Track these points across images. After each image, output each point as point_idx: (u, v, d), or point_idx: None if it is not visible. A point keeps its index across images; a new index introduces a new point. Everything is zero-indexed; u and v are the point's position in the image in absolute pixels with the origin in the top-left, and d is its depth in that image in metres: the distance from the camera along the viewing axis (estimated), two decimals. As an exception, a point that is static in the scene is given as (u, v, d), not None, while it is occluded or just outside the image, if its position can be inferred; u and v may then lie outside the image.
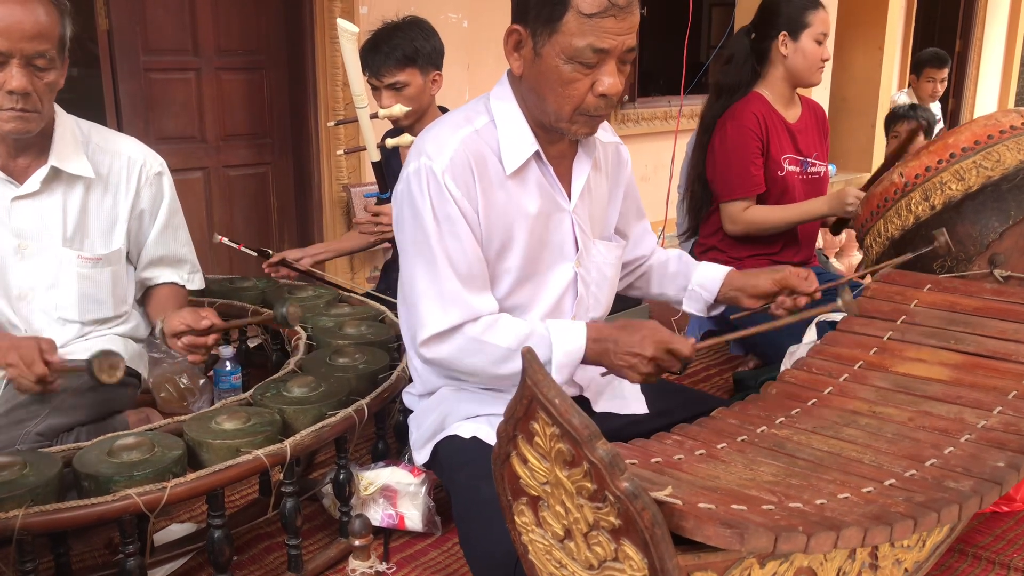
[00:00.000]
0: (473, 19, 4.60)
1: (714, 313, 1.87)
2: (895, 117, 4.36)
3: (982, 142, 2.02)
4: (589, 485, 0.88)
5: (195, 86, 4.30)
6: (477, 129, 1.53)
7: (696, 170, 2.80)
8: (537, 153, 1.55)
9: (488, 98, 1.59)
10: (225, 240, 2.76)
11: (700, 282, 1.84)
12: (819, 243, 4.03)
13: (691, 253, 3.02)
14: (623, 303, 2.70)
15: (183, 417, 1.63)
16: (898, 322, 1.77)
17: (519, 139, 1.54)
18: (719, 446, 1.35)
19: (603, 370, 1.54)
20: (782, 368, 1.89)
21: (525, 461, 0.95)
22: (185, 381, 2.32)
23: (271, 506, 1.63)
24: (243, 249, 2.72)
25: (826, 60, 2.63)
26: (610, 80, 1.44)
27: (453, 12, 4.55)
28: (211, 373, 2.31)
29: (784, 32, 2.58)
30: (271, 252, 2.71)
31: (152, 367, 2.24)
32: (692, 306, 1.87)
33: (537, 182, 1.57)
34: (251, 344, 2.59)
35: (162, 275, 2.09)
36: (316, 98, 4.31)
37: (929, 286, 1.86)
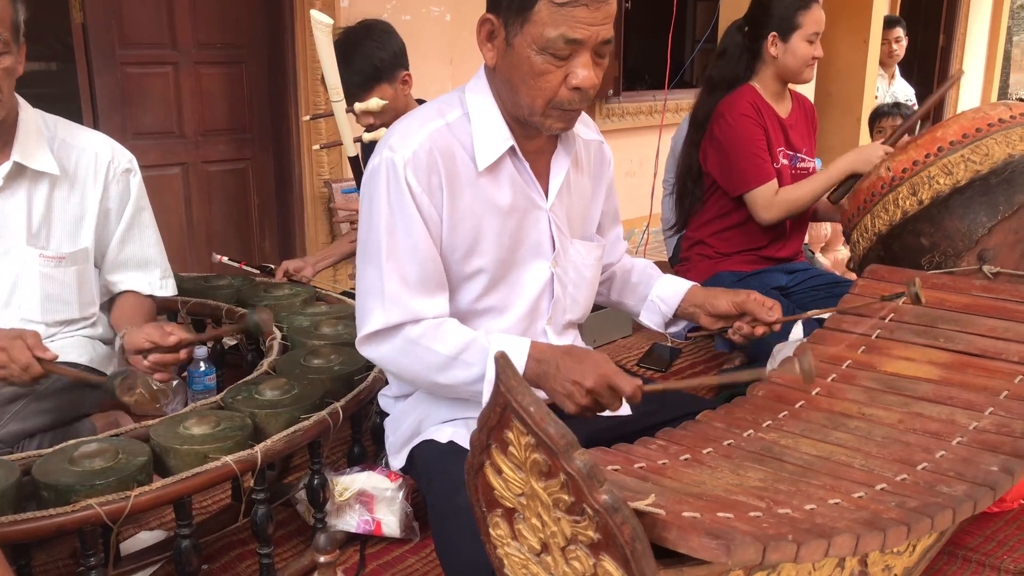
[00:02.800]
0: (456, 13, 4.54)
1: (672, 329, 1.79)
2: (879, 114, 4.36)
3: (970, 135, 1.98)
4: (566, 497, 0.83)
5: (173, 80, 4.23)
6: (449, 123, 1.48)
7: (686, 165, 2.75)
8: (512, 148, 1.50)
9: (463, 91, 1.53)
10: (225, 259, 2.69)
11: (660, 294, 1.76)
12: (806, 238, 4.01)
13: (677, 247, 2.98)
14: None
15: (150, 422, 1.57)
16: (886, 319, 1.73)
17: (493, 134, 1.48)
18: (705, 450, 1.31)
19: None
20: (768, 368, 1.85)
21: (499, 472, 0.90)
22: (158, 383, 2.26)
23: (242, 513, 1.57)
24: (245, 268, 2.65)
25: (817, 58, 2.59)
26: (584, 73, 1.39)
27: (436, 6, 4.50)
28: (184, 374, 2.25)
29: (774, 33, 2.54)
30: (273, 267, 2.65)
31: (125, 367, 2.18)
32: (650, 319, 1.79)
33: (511, 179, 1.51)
34: (226, 344, 2.53)
35: (127, 280, 2.00)
36: (297, 92, 4.24)
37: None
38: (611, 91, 5.78)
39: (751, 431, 1.39)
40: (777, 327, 1.64)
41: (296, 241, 4.43)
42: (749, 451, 1.32)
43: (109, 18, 3.96)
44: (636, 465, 1.18)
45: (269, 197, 4.51)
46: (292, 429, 1.56)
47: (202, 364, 2.24)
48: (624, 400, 1.34)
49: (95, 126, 4.03)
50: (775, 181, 2.55)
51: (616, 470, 1.13)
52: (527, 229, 1.55)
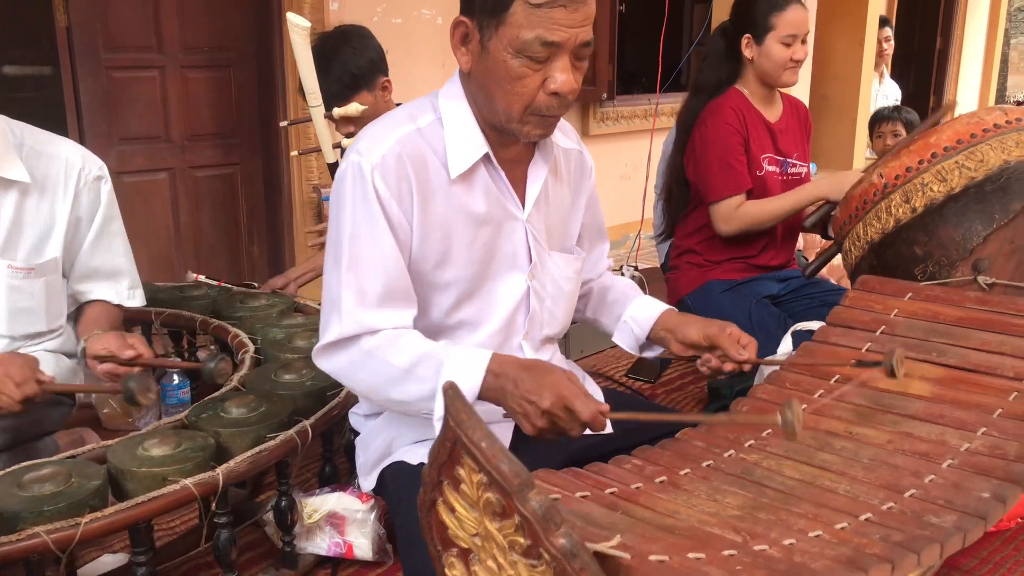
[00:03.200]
0: (447, 15, 4.47)
1: (647, 353, 1.72)
2: (879, 118, 4.30)
3: (965, 141, 1.91)
4: (522, 540, 0.77)
5: (159, 84, 4.17)
6: (420, 127, 1.42)
7: (674, 170, 2.69)
8: (487, 156, 1.44)
9: (437, 95, 1.47)
10: (202, 277, 2.62)
11: (634, 316, 1.69)
12: (800, 243, 3.94)
13: (667, 255, 2.92)
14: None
15: (109, 442, 1.51)
16: (877, 333, 1.67)
17: (467, 140, 1.42)
18: (682, 472, 1.24)
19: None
20: (755, 381, 1.79)
21: (453, 510, 0.83)
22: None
23: (204, 537, 1.51)
24: (224, 286, 2.58)
25: (798, 61, 2.52)
26: (563, 77, 1.33)
27: (427, 8, 4.44)
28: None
29: (747, 35, 2.48)
30: (256, 285, 2.58)
31: (95, 382, 2.12)
32: (623, 340, 1.71)
33: (485, 188, 1.45)
34: (201, 356, 2.46)
35: (95, 289, 1.95)
36: (285, 97, 4.18)
37: (910, 294, 1.76)
38: (605, 95, 5.72)
39: (732, 451, 1.33)
40: (747, 368, 1.57)
41: (285, 247, 4.37)
42: (729, 473, 1.25)
43: (94, 21, 3.90)
44: (608, 490, 1.11)
45: (258, 202, 4.45)
46: (257, 449, 1.49)
47: (176, 377, 2.19)
48: (585, 426, 1.26)
49: (80, 131, 3.98)
50: (742, 196, 2.49)
51: (585, 497, 1.07)
52: (502, 240, 1.49)
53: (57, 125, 4.01)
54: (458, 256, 1.44)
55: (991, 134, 1.90)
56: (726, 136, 2.46)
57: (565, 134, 1.60)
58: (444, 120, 1.43)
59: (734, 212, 2.48)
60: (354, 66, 2.29)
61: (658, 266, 3.19)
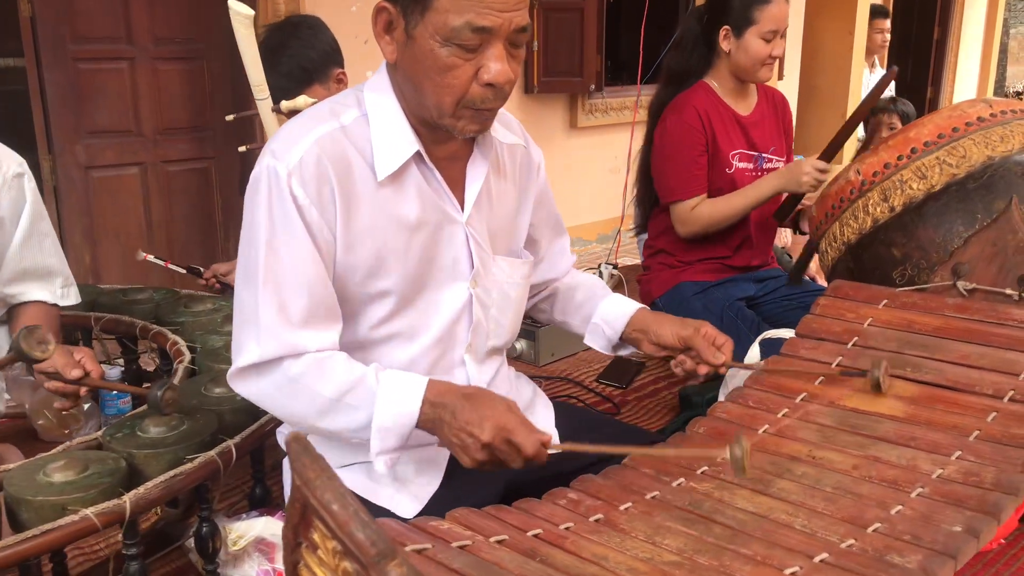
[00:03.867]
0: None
1: (621, 352, 1.63)
2: (873, 109, 4.18)
3: (946, 136, 1.79)
4: (389, 614, 0.65)
5: (129, 77, 4.06)
6: (344, 125, 1.29)
7: (644, 165, 2.57)
8: (419, 155, 1.31)
9: (362, 89, 1.35)
10: (150, 257, 2.51)
11: (605, 316, 1.59)
12: (787, 240, 3.81)
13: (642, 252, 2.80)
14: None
15: (9, 466, 1.39)
16: (849, 345, 1.55)
17: (396, 138, 1.29)
18: (623, 507, 1.13)
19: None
20: (719, 396, 1.67)
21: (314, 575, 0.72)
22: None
23: (110, 571, 1.39)
24: (170, 267, 2.47)
25: (775, 58, 2.39)
26: (497, 66, 1.20)
27: None
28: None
29: (727, 27, 2.35)
30: (201, 269, 2.46)
31: (31, 391, 2.00)
32: (594, 341, 1.62)
33: (419, 189, 1.32)
34: (143, 365, 2.34)
35: (29, 291, 1.85)
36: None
37: (885, 301, 1.64)
38: (593, 86, 5.60)
39: (682, 480, 1.21)
40: (723, 371, 1.49)
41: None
42: (675, 506, 1.13)
43: (59, 11, 3.78)
44: (531, 532, 1.00)
45: (234, 197, 4.32)
46: (171, 473, 1.37)
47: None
48: (528, 459, 1.16)
49: (46, 124, 3.86)
50: (699, 198, 2.38)
51: (501, 542, 0.95)
52: (441, 246, 1.36)
53: (24, 117, 3.91)
54: (392, 265, 1.32)
55: (974, 128, 1.78)
56: (684, 136, 2.35)
57: (508, 128, 1.48)
58: (370, 116, 1.31)
59: (690, 214, 2.39)
60: (304, 59, 2.16)
61: (640, 262, 3.08)
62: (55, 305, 1.90)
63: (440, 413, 1.20)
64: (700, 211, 2.37)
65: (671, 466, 1.26)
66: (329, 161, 1.24)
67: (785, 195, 2.35)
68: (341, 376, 1.23)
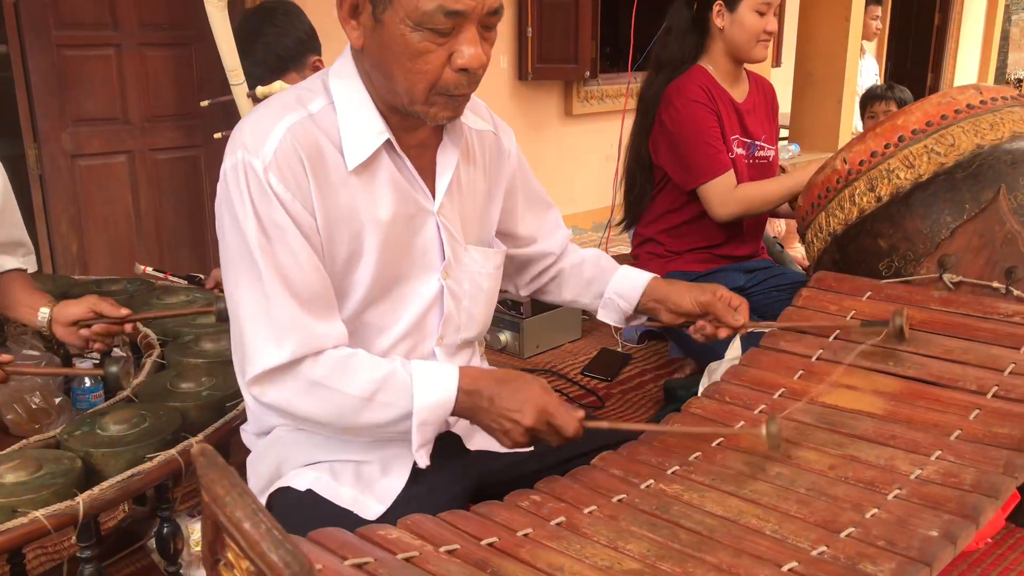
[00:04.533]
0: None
1: (633, 324, 1.64)
2: (871, 97, 4.13)
3: (935, 123, 1.74)
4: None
5: (115, 63, 4.01)
6: (312, 113, 1.24)
7: (636, 155, 2.51)
8: (389, 143, 1.27)
9: (328, 75, 1.30)
10: (149, 270, 2.46)
11: (618, 290, 1.60)
12: (780, 229, 3.76)
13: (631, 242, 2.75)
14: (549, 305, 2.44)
15: (-39, 466, 1.35)
16: (831, 338, 1.51)
17: (364, 126, 1.25)
18: (587, 510, 1.08)
19: None
20: (699, 389, 1.62)
21: (235, 593, 0.68)
22: (37, 400, 2.04)
23: (65, 573, 1.35)
24: (170, 279, 2.42)
25: (771, 33, 2.34)
26: (471, 51, 1.16)
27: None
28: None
29: (719, 2, 2.30)
30: (202, 278, 2.41)
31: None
32: (608, 316, 1.63)
33: (391, 178, 1.28)
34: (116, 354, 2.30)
35: (6, 262, 1.84)
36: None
37: (869, 293, 1.59)
38: (588, 73, 5.54)
39: (651, 481, 1.17)
40: (743, 332, 1.52)
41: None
42: (641, 510, 1.09)
43: (43, -4, 3.73)
44: (486, 540, 0.95)
45: (223, 186, 4.28)
46: (128, 473, 1.33)
47: (87, 380, 2.02)
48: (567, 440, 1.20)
49: (31, 112, 3.81)
50: (731, 173, 2.31)
51: (452, 551, 0.90)
52: (412, 236, 1.32)
53: (9, 105, 3.86)
54: (367, 255, 1.27)
55: (963, 116, 1.73)
56: (700, 115, 2.29)
57: (477, 113, 1.43)
58: (337, 104, 1.26)
59: (730, 194, 2.30)
60: (279, 47, 2.11)
61: (629, 252, 3.03)
62: (26, 271, 1.90)
63: (476, 400, 1.20)
64: (746, 192, 2.30)
65: (641, 466, 1.22)
66: (302, 150, 1.20)
67: None
68: (368, 374, 1.20)
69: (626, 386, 2.47)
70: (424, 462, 1.23)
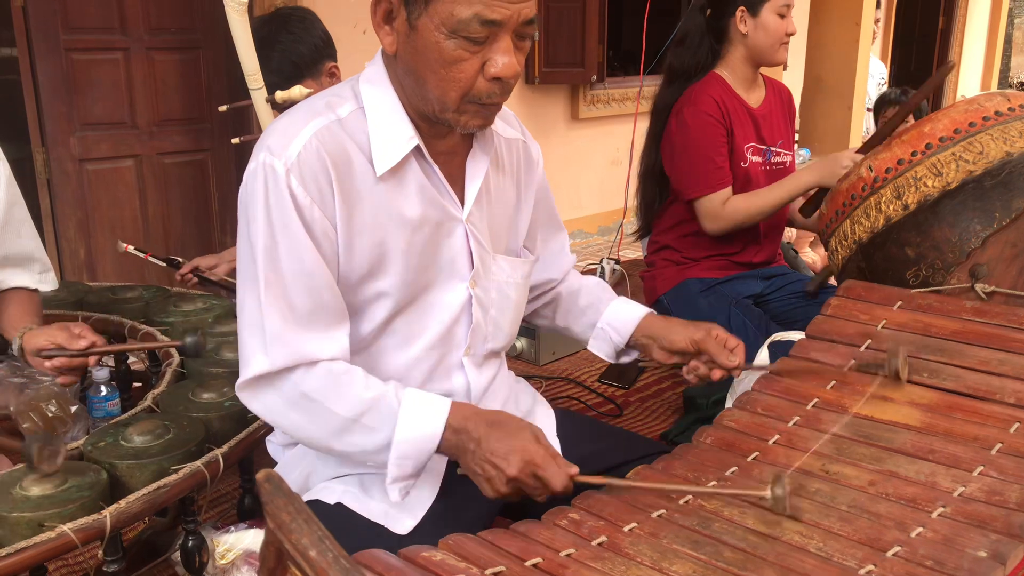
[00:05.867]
0: None
1: (625, 359, 1.58)
2: (886, 102, 4.11)
3: (963, 131, 1.72)
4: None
5: (124, 67, 4.00)
6: (341, 118, 1.23)
7: (648, 163, 2.50)
8: (418, 149, 1.25)
9: (358, 80, 1.28)
10: (131, 249, 2.45)
11: (611, 322, 1.54)
12: (791, 234, 3.75)
13: (644, 252, 2.74)
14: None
15: (-15, 479, 1.33)
16: (862, 348, 1.49)
17: (394, 132, 1.23)
18: (627, 527, 1.06)
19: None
20: (727, 402, 1.61)
21: (293, 621, 0.66)
22: (53, 409, 2.02)
23: (92, 588, 1.34)
24: (151, 259, 2.41)
25: (791, 35, 2.33)
26: (505, 60, 1.15)
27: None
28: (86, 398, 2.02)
29: (742, 7, 2.29)
30: (181, 261, 2.40)
31: (16, 393, 1.94)
32: (599, 348, 1.57)
33: (419, 185, 1.26)
34: (132, 364, 2.28)
35: (11, 278, 1.80)
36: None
37: (900, 303, 1.57)
38: (595, 77, 5.53)
39: (689, 497, 1.15)
40: (737, 374, 1.44)
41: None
42: (682, 526, 1.07)
43: (52, 0, 3.71)
44: (530, 561, 0.93)
45: (230, 190, 4.27)
46: (154, 486, 1.31)
47: (103, 388, 2.00)
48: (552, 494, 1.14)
49: (39, 115, 3.81)
50: (727, 190, 2.30)
51: (498, 573, 0.89)
52: (440, 244, 1.30)
53: (17, 108, 3.85)
54: (392, 264, 1.26)
55: (992, 123, 1.71)
56: (707, 129, 2.27)
57: (506, 122, 1.42)
58: (367, 109, 1.24)
59: (721, 209, 2.29)
60: (294, 55, 2.10)
61: (641, 257, 3.02)
62: (36, 291, 1.86)
63: (463, 440, 1.16)
64: (735, 206, 2.29)
65: (678, 479, 1.20)
66: (328, 155, 1.19)
67: (815, 189, 2.26)
68: (358, 394, 1.18)
69: (644, 394, 2.46)
70: (396, 497, 1.20)
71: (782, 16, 2.28)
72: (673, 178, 2.37)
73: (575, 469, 1.15)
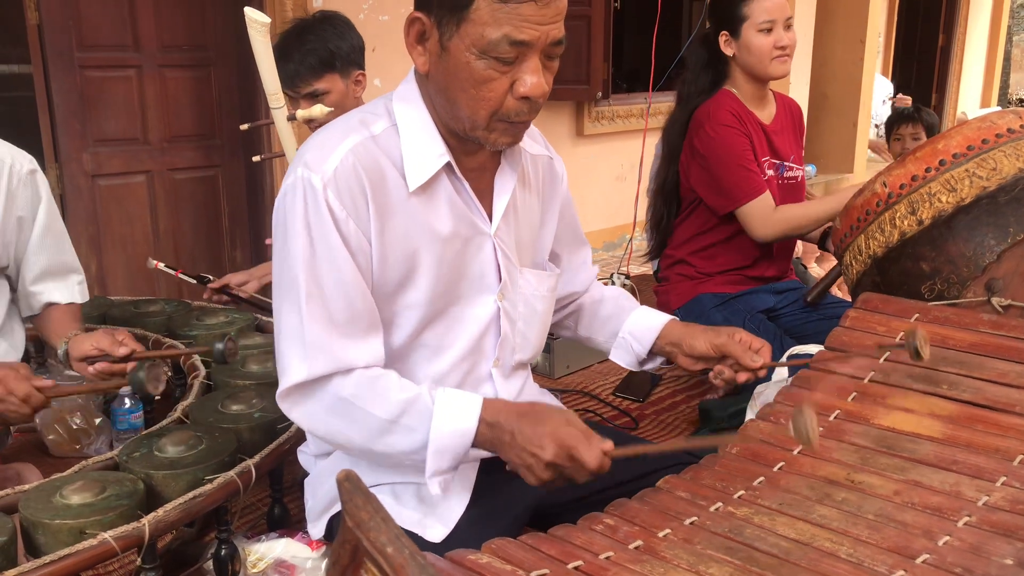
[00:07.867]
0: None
1: (649, 367, 1.60)
2: (898, 118, 4.13)
3: (976, 147, 1.76)
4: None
5: (136, 84, 4.04)
6: (375, 135, 1.26)
7: (660, 181, 2.53)
8: (449, 165, 1.28)
9: (391, 99, 1.32)
10: (161, 265, 2.48)
11: (633, 331, 1.57)
12: (798, 250, 3.78)
13: (657, 267, 2.77)
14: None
15: (25, 487, 1.35)
16: (881, 360, 1.51)
17: (426, 148, 1.27)
18: (661, 533, 1.09)
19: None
20: (747, 414, 1.63)
21: (362, 618, 0.68)
22: (78, 421, 2.06)
23: (128, 596, 1.36)
24: (181, 276, 2.44)
25: (783, 47, 2.35)
26: (533, 79, 1.18)
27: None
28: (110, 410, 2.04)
29: (725, 32, 2.33)
30: (211, 277, 2.43)
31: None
32: (621, 357, 1.59)
33: (449, 200, 1.30)
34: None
35: (51, 291, 1.86)
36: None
37: (917, 315, 1.60)
38: (600, 93, 5.57)
39: (720, 504, 1.17)
40: (763, 373, 1.46)
41: (268, 252, 4.23)
42: (715, 533, 1.10)
43: (66, 19, 3.76)
44: (572, 564, 0.96)
45: (240, 206, 4.30)
46: (190, 495, 1.34)
47: (127, 400, 2.03)
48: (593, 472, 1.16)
49: (53, 132, 3.84)
50: (768, 194, 2.33)
51: (543, 576, 0.91)
52: (469, 258, 1.34)
53: (31, 126, 3.89)
54: (423, 277, 1.29)
55: (1004, 140, 1.74)
56: (732, 138, 2.31)
57: (533, 139, 1.46)
58: (400, 126, 1.28)
59: (772, 214, 2.31)
60: (333, 44, 2.14)
61: (651, 273, 3.05)
62: (78, 305, 1.92)
63: (498, 434, 1.18)
64: (789, 212, 2.31)
65: (706, 488, 1.22)
66: (363, 171, 1.22)
67: None
68: (396, 396, 1.20)
69: (659, 407, 2.48)
70: (436, 490, 1.22)
71: (768, 31, 2.30)
72: (706, 194, 2.39)
73: (609, 444, 1.17)
